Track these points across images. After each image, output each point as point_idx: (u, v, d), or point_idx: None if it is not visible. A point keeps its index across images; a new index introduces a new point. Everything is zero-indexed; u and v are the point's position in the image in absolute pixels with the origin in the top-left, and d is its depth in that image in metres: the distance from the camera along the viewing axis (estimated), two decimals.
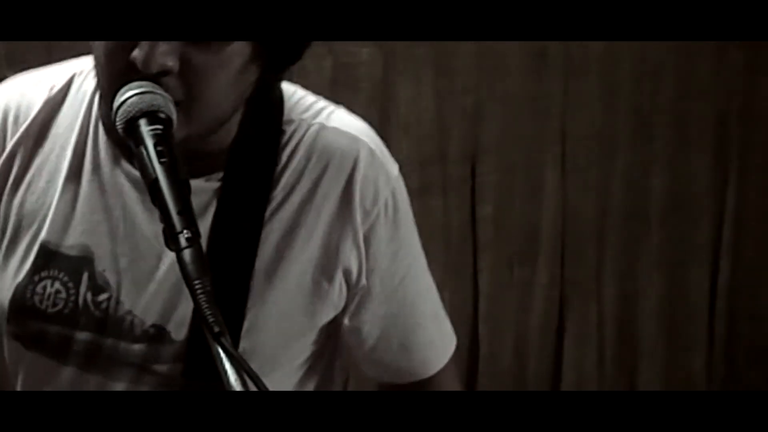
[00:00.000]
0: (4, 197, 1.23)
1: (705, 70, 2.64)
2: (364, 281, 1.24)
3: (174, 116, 1.06)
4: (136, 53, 1.07)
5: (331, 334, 1.28)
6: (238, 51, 1.10)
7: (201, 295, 0.95)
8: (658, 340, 2.74)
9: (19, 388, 1.28)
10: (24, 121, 1.22)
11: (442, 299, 1.33)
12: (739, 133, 2.69)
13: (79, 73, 1.24)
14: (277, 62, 1.15)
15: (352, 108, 1.28)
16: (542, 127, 2.62)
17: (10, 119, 1.23)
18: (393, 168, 1.25)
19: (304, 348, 1.26)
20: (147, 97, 1.05)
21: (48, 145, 1.22)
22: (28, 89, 1.24)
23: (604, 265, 2.70)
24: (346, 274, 1.22)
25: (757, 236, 2.74)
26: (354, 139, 1.22)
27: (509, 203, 2.64)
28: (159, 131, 1.04)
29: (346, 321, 1.26)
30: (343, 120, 1.24)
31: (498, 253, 2.65)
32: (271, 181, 1.19)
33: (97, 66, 1.13)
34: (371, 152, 1.23)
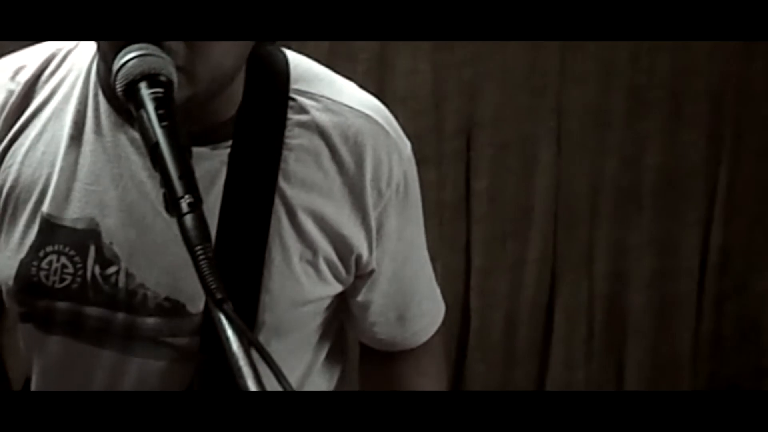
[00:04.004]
0: (2, 170, 1.19)
1: (700, 48, 2.64)
2: (374, 264, 1.23)
3: (175, 79, 1.04)
4: None
5: (342, 301, 1.28)
6: None
7: (203, 261, 0.92)
8: (646, 316, 2.75)
9: (35, 375, 1.25)
10: (15, 99, 1.19)
11: (435, 272, 1.35)
12: (733, 111, 2.70)
13: (74, 45, 1.21)
14: None
15: (349, 79, 1.25)
16: (538, 102, 2.62)
17: (1, 99, 1.19)
18: (406, 148, 1.22)
19: (317, 313, 1.25)
20: (147, 59, 1.03)
21: (43, 116, 1.19)
22: (15, 67, 1.21)
23: (595, 241, 2.71)
24: (356, 253, 1.21)
25: (748, 215, 2.75)
26: (367, 117, 1.19)
27: (503, 178, 2.64)
28: (160, 94, 1.01)
29: (352, 298, 1.26)
30: (356, 97, 1.21)
31: (491, 228, 2.66)
32: (282, 148, 1.17)
33: None
34: (386, 132, 1.20)
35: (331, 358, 1.32)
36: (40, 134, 1.19)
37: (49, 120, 1.19)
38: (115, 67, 1.04)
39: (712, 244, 2.75)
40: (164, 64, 1.04)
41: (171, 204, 0.96)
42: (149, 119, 1.00)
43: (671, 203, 2.72)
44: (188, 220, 0.94)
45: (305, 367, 1.28)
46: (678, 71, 2.64)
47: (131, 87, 1.03)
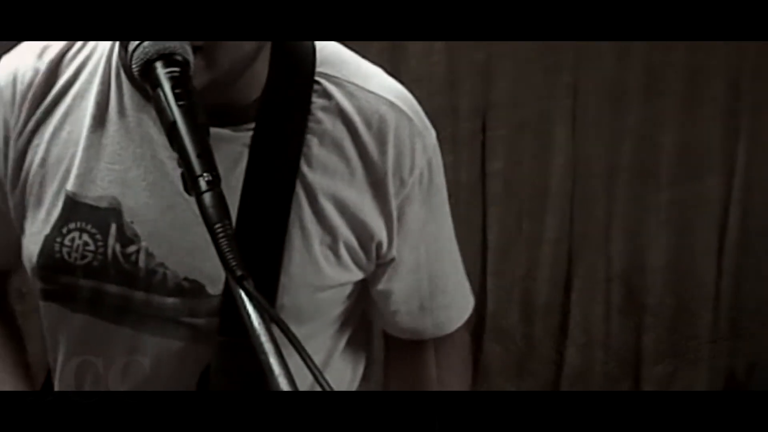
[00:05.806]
0: (30, 149, 1.20)
1: None
2: (394, 252, 1.22)
3: (191, 58, 1.03)
4: None
5: (365, 290, 1.28)
6: None
7: (222, 239, 0.91)
8: (664, 296, 2.74)
9: (60, 354, 1.25)
10: (41, 79, 1.20)
11: None
12: (751, 90, 2.68)
13: None
14: None
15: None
16: (553, 81, 2.61)
17: (26, 80, 1.20)
18: (430, 136, 1.21)
19: (338, 300, 1.25)
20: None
21: (69, 96, 1.19)
22: (41, 47, 1.21)
23: (612, 221, 2.70)
24: (376, 240, 1.20)
25: (766, 194, 2.73)
26: (392, 105, 1.17)
27: (519, 158, 2.64)
28: (176, 74, 1.01)
29: (373, 287, 1.26)
30: (381, 83, 1.19)
31: (507, 208, 2.65)
32: (305, 132, 1.16)
33: None
34: (409, 120, 1.18)
35: (353, 346, 1.32)
36: (66, 114, 1.19)
37: (74, 100, 1.19)
38: (131, 47, 1.04)
39: (730, 223, 2.73)
40: (179, 44, 1.03)
41: (190, 183, 0.96)
42: (166, 98, 1.00)
43: (688, 182, 2.70)
44: (207, 198, 0.94)
45: (325, 354, 1.28)
46: (694, 48, 2.62)
47: (147, 67, 1.03)
